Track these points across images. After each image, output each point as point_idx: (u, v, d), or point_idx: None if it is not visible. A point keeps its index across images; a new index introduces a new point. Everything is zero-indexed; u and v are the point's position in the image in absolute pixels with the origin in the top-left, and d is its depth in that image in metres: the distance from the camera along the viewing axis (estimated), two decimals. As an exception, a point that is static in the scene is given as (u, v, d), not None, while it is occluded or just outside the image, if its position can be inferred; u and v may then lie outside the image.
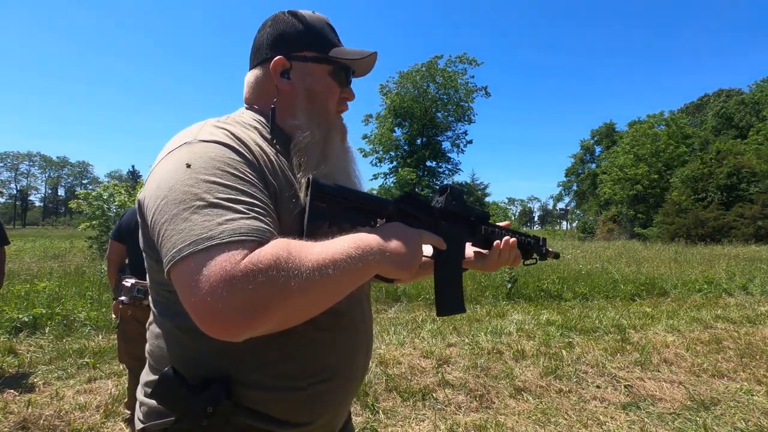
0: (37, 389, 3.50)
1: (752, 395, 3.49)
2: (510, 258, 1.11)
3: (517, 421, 3.06)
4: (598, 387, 3.67)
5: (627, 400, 3.42)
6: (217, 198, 0.66)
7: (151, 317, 0.87)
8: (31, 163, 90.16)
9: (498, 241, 1.07)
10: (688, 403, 3.36)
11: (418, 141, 37.29)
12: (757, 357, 4.45)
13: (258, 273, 0.61)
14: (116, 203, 12.92)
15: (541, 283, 8.16)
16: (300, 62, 0.90)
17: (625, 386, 3.67)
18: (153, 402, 0.79)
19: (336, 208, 0.79)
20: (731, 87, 52.62)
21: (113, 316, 2.86)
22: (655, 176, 38.35)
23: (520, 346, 4.66)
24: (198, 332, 0.74)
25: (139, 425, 0.84)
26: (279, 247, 0.64)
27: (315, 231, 0.76)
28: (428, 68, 35.49)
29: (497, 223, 1.12)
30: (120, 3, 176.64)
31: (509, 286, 7.70)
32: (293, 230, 0.76)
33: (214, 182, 0.68)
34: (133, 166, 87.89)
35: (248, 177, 0.72)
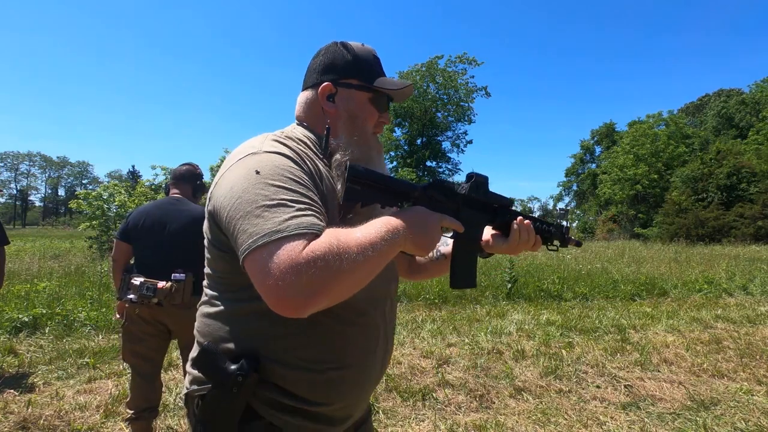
0: (37, 389, 3.50)
1: (752, 395, 3.50)
2: (530, 241, 1.17)
3: (517, 421, 3.06)
4: (598, 387, 3.67)
5: (627, 400, 3.42)
6: (282, 199, 0.80)
7: (204, 298, 1.01)
8: (31, 163, 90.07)
9: (515, 223, 1.14)
10: (688, 403, 3.36)
11: (418, 141, 37.30)
12: (757, 357, 4.46)
13: (317, 259, 0.73)
14: (116, 203, 12.93)
15: (541, 283, 8.17)
16: (345, 89, 1.02)
17: (625, 386, 3.67)
18: (195, 371, 0.95)
19: (369, 190, 0.91)
20: (731, 87, 52.60)
21: (116, 316, 2.85)
22: (655, 176, 38.34)
23: (520, 346, 4.66)
24: (237, 316, 0.93)
25: (184, 390, 1.01)
26: (330, 236, 0.77)
27: (350, 209, 0.92)
28: (428, 68, 35.50)
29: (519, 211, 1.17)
30: (120, 4, 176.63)
31: (509, 286, 7.70)
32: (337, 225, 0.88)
33: (279, 186, 0.81)
34: (133, 166, 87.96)
35: (305, 182, 0.86)
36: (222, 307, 0.95)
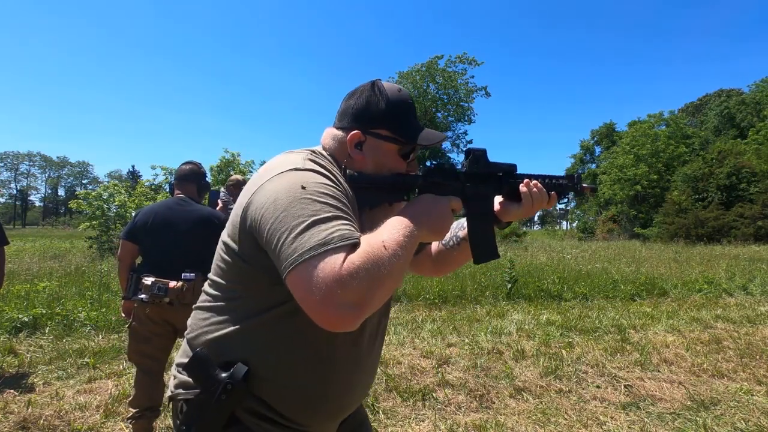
0: (37, 389, 3.49)
1: (752, 395, 3.50)
2: (543, 200, 1.14)
3: (517, 421, 3.06)
4: (598, 387, 3.67)
5: (627, 400, 3.42)
6: (328, 213, 0.82)
7: (204, 303, 1.01)
8: (31, 163, 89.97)
9: (523, 186, 1.11)
10: (688, 403, 3.36)
11: (418, 141, 37.18)
12: (757, 357, 4.46)
13: (359, 269, 0.75)
14: (116, 203, 12.93)
15: (541, 283, 8.16)
16: (374, 138, 1.02)
17: (625, 386, 3.67)
18: (184, 377, 0.97)
19: (373, 193, 0.96)
20: (731, 87, 52.52)
21: (123, 315, 2.85)
22: (655, 176, 38.31)
23: (520, 346, 4.66)
24: (237, 328, 0.93)
25: (168, 393, 1.02)
26: (364, 245, 0.79)
27: (360, 216, 0.95)
28: (428, 68, 35.49)
29: (524, 173, 1.15)
30: (120, 5, 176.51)
31: (509, 286, 7.70)
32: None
33: (324, 203, 0.83)
34: (133, 166, 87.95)
35: (343, 200, 0.88)
36: (224, 316, 0.95)
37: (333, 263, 0.75)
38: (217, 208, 3.46)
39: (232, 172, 12.17)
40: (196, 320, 1.01)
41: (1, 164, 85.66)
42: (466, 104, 36.87)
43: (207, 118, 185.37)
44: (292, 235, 0.78)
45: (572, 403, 3.37)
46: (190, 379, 0.95)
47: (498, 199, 1.17)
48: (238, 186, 4.38)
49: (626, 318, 6.16)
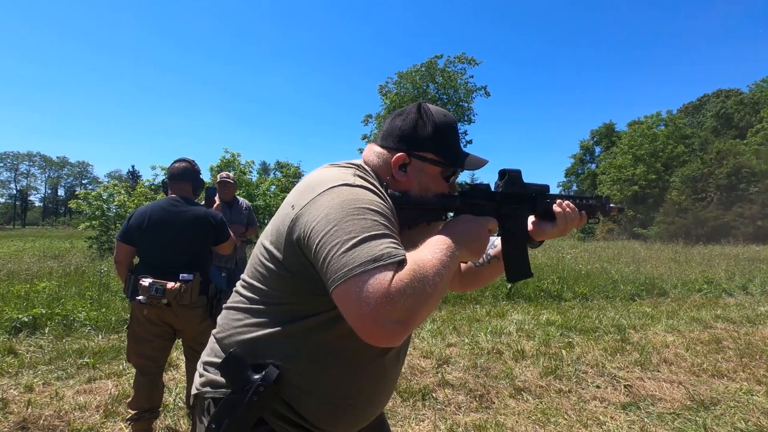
0: (37, 389, 3.49)
1: (752, 395, 3.50)
2: (575, 220, 1.19)
3: (517, 421, 3.06)
4: (598, 387, 3.67)
5: (627, 400, 3.42)
6: (378, 230, 0.83)
7: (235, 303, 1.03)
8: (31, 163, 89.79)
9: (557, 206, 1.17)
10: (688, 403, 3.36)
11: (418, 141, 37.10)
12: (757, 357, 4.46)
13: (406, 287, 0.77)
14: (116, 203, 12.93)
15: (541, 283, 8.16)
16: (419, 161, 1.04)
17: (625, 386, 3.67)
18: (212, 375, 0.99)
19: (413, 213, 0.99)
20: (730, 87, 52.51)
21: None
22: (653, 176, 38.30)
23: (520, 346, 4.66)
24: (274, 332, 0.95)
25: (194, 390, 1.03)
26: (410, 263, 0.81)
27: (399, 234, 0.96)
28: (427, 68, 35.47)
29: (554, 194, 1.20)
30: (120, 4, 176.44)
31: (509, 286, 7.69)
32: None
33: (374, 220, 0.85)
34: (133, 166, 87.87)
35: (391, 218, 0.91)
36: (259, 319, 0.97)
37: (382, 280, 0.76)
38: (214, 205, 3.46)
39: (231, 171, 12.14)
40: (228, 320, 1.02)
41: (1, 164, 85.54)
42: (466, 104, 36.83)
43: (207, 118, 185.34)
44: (342, 250, 0.79)
45: (572, 403, 3.37)
46: (218, 378, 0.96)
47: (530, 219, 1.20)
48: (227, 185, 4.50)
49: (626, 318, 6.17)
